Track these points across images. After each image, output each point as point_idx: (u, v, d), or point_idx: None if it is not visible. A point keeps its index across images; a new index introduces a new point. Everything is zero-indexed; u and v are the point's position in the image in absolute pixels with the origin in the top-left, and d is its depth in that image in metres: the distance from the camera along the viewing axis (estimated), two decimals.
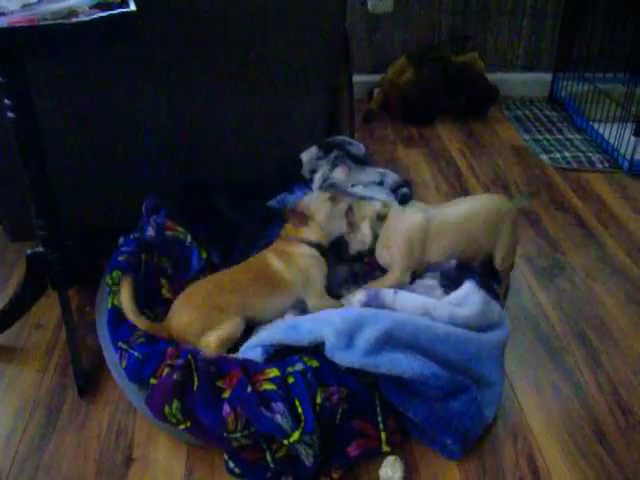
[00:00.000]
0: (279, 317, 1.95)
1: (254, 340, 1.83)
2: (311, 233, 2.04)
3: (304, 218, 2.03)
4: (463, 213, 2.06)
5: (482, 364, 1.79)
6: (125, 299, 1.89)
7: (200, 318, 1.85)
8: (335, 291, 2.07)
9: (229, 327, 1.85)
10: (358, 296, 1.89)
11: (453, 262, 2.00)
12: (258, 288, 1.94)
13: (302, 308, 1.99)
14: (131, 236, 2.12)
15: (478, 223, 2.05)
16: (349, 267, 2.13)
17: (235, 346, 1.87)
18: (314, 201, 2.09)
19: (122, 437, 1.78)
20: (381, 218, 2.05)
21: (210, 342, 1.82)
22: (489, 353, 1.80)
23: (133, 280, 1.93)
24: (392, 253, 2.02)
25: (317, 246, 2.03)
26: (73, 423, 1.83)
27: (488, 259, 2.10)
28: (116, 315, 1.90)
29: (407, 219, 2.04)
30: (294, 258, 2.00)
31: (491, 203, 2.10)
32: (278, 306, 1.97)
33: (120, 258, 2.00)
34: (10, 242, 2.44)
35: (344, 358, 1.67)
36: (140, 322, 1.86)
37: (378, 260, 2.07)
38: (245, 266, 2.02)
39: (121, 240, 2.11)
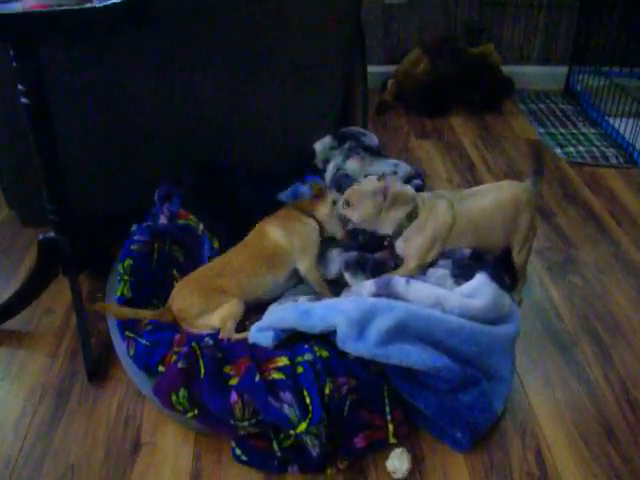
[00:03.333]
0: (282, 295, 1.99)
1: (266, 320, 1.83)
2: (319, 211, 2.12)
3: (317, 196, 2.13)
4: (488, 209, 2.03)
5: (493, 358, 1.78)
6: (118, 312, 1.90)
7: (198, 300, 1.88)
8: (338, 276, 2.08)
9: (229, 307, 1.88)
10: (367, 287, 1.88)
11: (467, 251, 1.98)
12: (253, 266, 1.97)
13: (310, 292, 2.01)
14: (144, 224, 2.13)
15: (500, 218, 2.04)
16: (358, 254, 2.11)
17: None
18: (326, 188, 2.18)
19: (130, 423, 1.79)
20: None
21: (214, 323, 1.86)
22: (500, 347, 1.80)
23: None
24: (410, 247, 2.01)
25: (319, 224, 2.12)
26: (82, 408, 1.84)
27: (502, 250, 2.09)
28: (124, 304, 1.90)
29: (436, 218, 2.00)
30: (294, 225, 2.06)
31: (513, 193, 2.06)
32: (275, 282, 2.01)
33: (133, 247, 2.01)
34: (22, 227, 2.45)
35: (355, 348, 1.66)
36: (143, 314, 1.88)
37: (396, 249, 2.06)
38: (242, 246, 2.06)
39: (134, 228, 2.11)
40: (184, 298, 1.89)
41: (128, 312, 1.88)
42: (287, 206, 2.18)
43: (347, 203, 2.02)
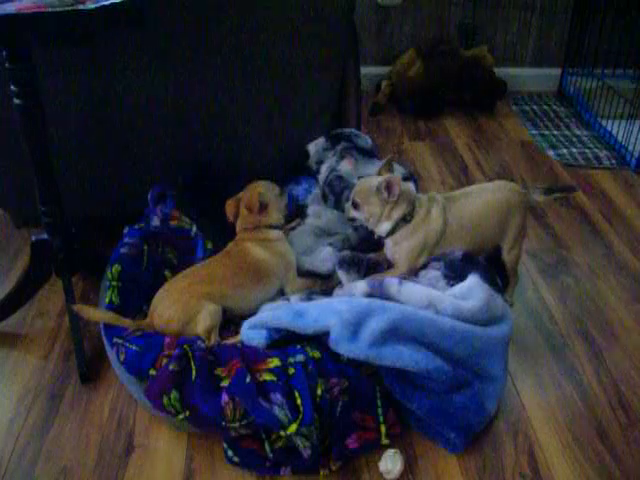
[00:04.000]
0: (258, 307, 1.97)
1: (259, 318, 1.83)
2: (273, 218, 2.11)
3: (263, 206, 2.08)
4: (480, 212, 2.04)
5: (486, 359, 1.79)
6: (99, 317, 1.87)
7: (178, 313, 1.84)
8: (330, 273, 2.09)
9: (209, 316, 1.85)
10: (360, 286, 1.88)
11: (459, 253, 1.99)
12: (242, 279, 1.96)
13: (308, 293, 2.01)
14: (136, 226, 2.13)
15: (491, 220, 2.05)
16: (352, 253, 2.11)
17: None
18: (264, 193, 2.11)
19: (123, 425, 1.79)
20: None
21: (197, 331, 1.83)
22: (493, 348, 1.80)
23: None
24: (399, 251, 2.01)
25: (279, 227, 2.12)
26: (75, 410, 1.84)
27: (493, 251, 2.10)
28: (112, 311, 1.87)
29: (428, 223, 2.00)
30: (272, 243, 2.05)
31: (504, 195, 2.07)
32: (260, 295, 1.99)
33: (122, 250, 2.01)
34: (15, 229, 2.45)
35: (348, 349, 1.66)
36: (126, 323, 1.84)
37: (385, 251, 2.06)
38: (225, 257, 2.02)
39: (126, 230, 2.11)
40: (165, 310, 1.85)
41: (109, 318, 1.84)
42: (244, 228, 2.09)
43: (355, 205, 2.01)
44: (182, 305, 1.85)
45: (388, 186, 1.93)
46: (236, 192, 2.13)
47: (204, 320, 1.84)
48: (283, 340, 1.79)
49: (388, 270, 2.04)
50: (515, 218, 2.06)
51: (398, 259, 2.01)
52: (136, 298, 1.95)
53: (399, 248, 2.01)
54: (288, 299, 1.96)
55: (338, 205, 2.35)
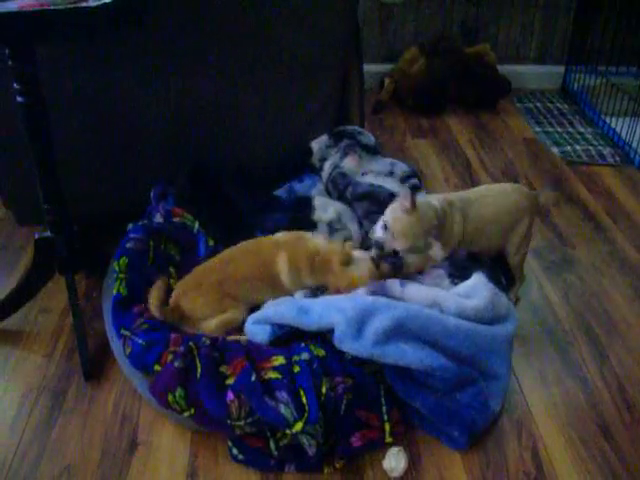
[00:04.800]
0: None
1: (263, 313, 1.83)
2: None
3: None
4: (493, 216, 2.03)
5: (490, 357, 1.78)
6: (154, 296, 1.87)
7: (212, 304, 1.88)
8: None
9: (233, 314, 1.89)
10: (361, 292, 1.84)
11: (463, 252, 1.98)
12: (256, 284, 1.95)
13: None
14: (139, 223, 2.13)
15: (503, 223, 2.05)
16: None
17: None
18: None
19: (127, 422, 1.79)
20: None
21: (211, 324, 1.86)
22: (497, 347, 1.79)
23: (164, 283, 1.93)
24: (422, 259, 2.00)
25: None
26: (78, 408, 1.83)
27: (498, 251, 2.10)
28: (120, 302, 1.89)
29: (451, 235, 1.98)
30: (299, 280, 1.97)
31: (516, 199, 2.07)
32: (271, 298, 1.95)
33: (128, 245, 2.01)
34: (18, 227, 2.44)
35: (352, 347, 1.66)
36: (159, 312, 1.86)
37: (407, 261, 2.02)
38: (250, 257, 1.98)
39: (130, 226, 2.11)
40: (196, 300, 1.88)
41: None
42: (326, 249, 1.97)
43: (387, 229, 1.92)
44: (218, 297, 1.89)
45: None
46: (237, 190, 2.12)
47: (227, 316, 1.87)
48: (287, 337, 1.79)
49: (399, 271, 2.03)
50: (524, 221, 2.06)
51: (417, 265, 2.00)
52: (143, 290, 1.94)
53: (422, 257, 1.99)
54: (292, 295, 1.95)
55: (341, 201, 2.35)
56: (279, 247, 1.97)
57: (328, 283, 1.93)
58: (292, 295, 1.95)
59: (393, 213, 1.91)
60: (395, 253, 1.94)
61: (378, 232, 1.93)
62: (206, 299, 1.88)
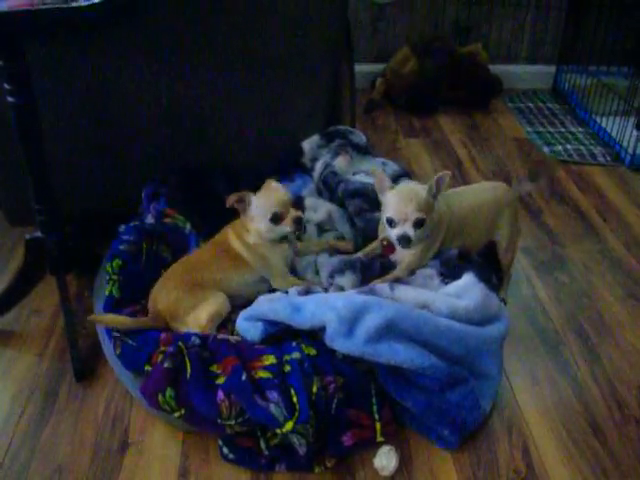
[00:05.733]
0: (253, 295, 1.94)
1: (256, 310, 1.83)
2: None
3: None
4: (469, 213, 2.04)
5: (481, 357, 1.79)
6: (115, 322, 1.85)
7: (184, 296, 1.87)
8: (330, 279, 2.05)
9: (215, 302, 1.88)
10: (351, 292, 1.84)
11: (454, 251, 1.99)
12: (220, 263, 1.96)
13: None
14: (131, 224, 2.12)
15: (481, 220, 2.06)
16: (345, 257, 2.08)
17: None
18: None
19: (118, 422, 1.79)
20: None
21: (201, 319, 1.84)
22: (488, 347, 1.80)
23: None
24: (413, 253, 1.97)
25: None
26: (70, 408, 1.83)
27: (487, 249, 2.10)
28: (112, 304, 1.89)
29: (441, 226, 1.98)
30: (251, 245, 2.00)
31: (493, 195, 2.09)
32: (243, 281, 1.97)
33: (121, 247, 2.01)
34: (9, 227, 2.44)
35: (344, 345, 1.66)
36: (138, 322, 1.85)
37: (397, 254, 2.02)
38: (210, 245, 2.04)
39: (122, 228, 2.11)
40: (168, 295, 1.87)
41: (125, 321, 1.83)
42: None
43: (390, 223, 1.90)
44: (188, 287, 1.88)
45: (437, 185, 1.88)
46: (228, 190, 2.11)
47: (212, 306, 1.86)
48: (278, 335, 1.79)
49: (384, 269, 2.03)
50: (506, 216, 2.08)
51: (405, 260, 1.99)
52: (136, 292, 1.95)
53: (409, 256, 1.97)
54: (287, 292, 1.94)
55: (332, 201, 2.34)
56: (228, 227, 2.03)
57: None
58: (257, 272, 1.98)
59: (392, 198, 1.89)
60: (420, 224, 1.87)
61: (394, 231, 1.90)
62: (177, 293, 1.86)
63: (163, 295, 1.88)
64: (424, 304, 1.79)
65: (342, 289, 1.94)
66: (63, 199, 1.98)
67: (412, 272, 1.97)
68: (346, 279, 1.98)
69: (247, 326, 1.81)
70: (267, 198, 1.96)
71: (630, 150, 3.15)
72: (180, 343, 1.71)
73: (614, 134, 3.31)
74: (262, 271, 2.00)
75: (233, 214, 2.02)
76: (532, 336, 2.09)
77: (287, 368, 1.66)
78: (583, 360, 2.01)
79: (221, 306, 1.88)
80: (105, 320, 1.87)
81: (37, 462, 1.68)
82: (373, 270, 2.01)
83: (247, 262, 1.98)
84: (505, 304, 2.12)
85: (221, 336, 1.82)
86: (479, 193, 2.12)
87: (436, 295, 1.82)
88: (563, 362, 2.00)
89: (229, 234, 2.02)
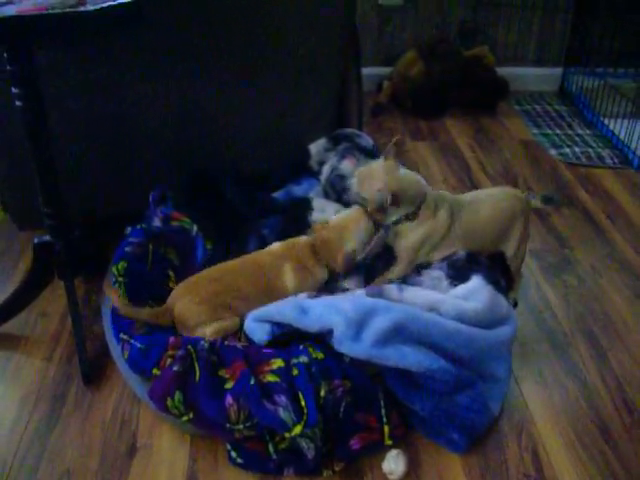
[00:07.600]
0: None
1: (264, 312, 1.82)
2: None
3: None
4: (485, 220, 2.03)
5: (489, 360, 1.78)
6: (117, 302, 1.85)
7: (207, 313, 1.84)
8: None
9: (228, 324, 1.87)
10: (360, 293, 1.85)
11: (462, 253, 1.98)
12: (256, 298, 1.91)
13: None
14: (138, 226, 2.13)
15: (496, 228, 2.05)
16: None
17: None
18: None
19: (126, 426, 1.79)
20: None
21: (206, 332, 1.83)
22: (497, 350, 1.80)
23: (119, 288, 1.92)
24: (405, 244, 2.00)
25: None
26: (78, 412, 1.83)
27: (496, 252, 2.10)
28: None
29: (433, 222, 1.99)
30: (311, 276, 1.99)
31: (510, 203, 2.06)
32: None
33: (127, 249, 2.01)
34: (17, 231, 2.45)
35: (351, 348, 1.66)
36: (140, 313, 1.84)
37: (395, 247, 2.05)
38: (255, 270, 1.96)
39: (128, 230, 2.11)
40: (190, 307, 1.84)
41: (129, 311, 1.83)
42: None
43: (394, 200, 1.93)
44: (213, 307, 1.85)
45: (394, 201, 1.91)
46: (235, 193, 2.12)
47: (221, 324, 1.85)
48: (285, 337, 1.78)
49: (387, 267, 2.03)
50: (518, 225, 2.06)
51: (400, 252, 2.01)
52: (142, 294, 1.94)
53: (404, 241, 2.00)
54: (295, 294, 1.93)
55: (339, 204, 2.35)
56: (280, 258, 1.97)
57: (336, 253, 1.97)
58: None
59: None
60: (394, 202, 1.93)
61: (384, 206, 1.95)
62: (199, 308, 1.84)
63: (185, 302, 1.85)
64: (432, 306, 1.79)
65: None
66: (71, 203, 1.98)
67: (414, 266, 1.99)
68: (350, 280, 1.99)
69: (255, 327, 1.81)
70: None
71: (638, 152, 3.14)
72: (190, 347, 1.71)
73: (622, 136, 3.30)
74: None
75: (240, 217, 2.01)
76: (541, 339, 2.09)
77: (295, 372, 1.66)
78: (592, 362, 2.00)
79: (231, 327, 1.87)
80: (115, 292, 1.87)
81: (45, 465, 1.68)
82: (378, 268, 2.04)
83: (287, 294, 1.92)
84: (516, 306, 2.12)
85: (227, 342, 1.82)
86: (494, 202, 2.07)
87: (444, 297, 1.82)
88: (572, 365, 1.99)
89: (284, 269, 1.96)
